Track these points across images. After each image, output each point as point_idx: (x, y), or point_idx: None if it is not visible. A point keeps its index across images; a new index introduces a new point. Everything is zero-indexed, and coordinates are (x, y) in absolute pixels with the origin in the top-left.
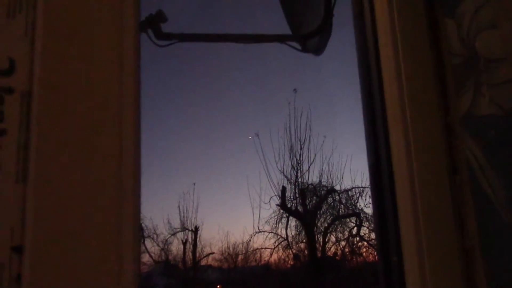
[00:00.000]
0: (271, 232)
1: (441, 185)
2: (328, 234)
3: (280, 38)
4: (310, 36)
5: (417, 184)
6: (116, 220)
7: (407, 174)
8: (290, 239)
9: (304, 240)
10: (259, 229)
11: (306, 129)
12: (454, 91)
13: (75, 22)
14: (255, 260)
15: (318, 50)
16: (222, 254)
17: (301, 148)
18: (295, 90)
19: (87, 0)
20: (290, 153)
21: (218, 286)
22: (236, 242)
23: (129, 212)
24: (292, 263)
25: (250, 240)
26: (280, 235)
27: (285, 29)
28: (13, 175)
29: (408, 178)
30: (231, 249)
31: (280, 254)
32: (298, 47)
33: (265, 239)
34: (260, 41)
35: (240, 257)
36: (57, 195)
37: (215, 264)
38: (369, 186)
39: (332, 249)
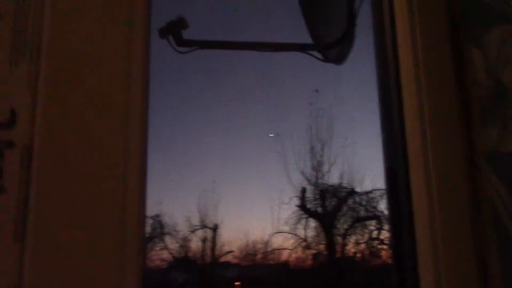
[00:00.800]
0: (290, 233)
1: (463, 223)
2: (348, 237)
3: (301, 47)
4: (331, 45)
5: (438, 222)
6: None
7: (427, 213)
8: (309, 240)
9: (323, 242)
10: (278, 230)
11: (327, 130)
12: (479, 125)
13: (81, 70)
14: (274, 259)
15: (339, 59)
16: (241, 252)
17: (322, 149)
18: (316, 91)
19: (93, 47)
20: (310, 154)
21: (236, 283)
22: (255, 240)
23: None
24: (311, 262)
25: (269, 240)
26: (299, 236)
27: (305, 38)
28: (11, 234)
29: (429, 217)
30: (250, 247)
31: (299, 254)
32: (319, 56)
33: (284, 240)
34: (281, 50)
35: (259, 255)
36: (56, 256)
37: (234, 261)
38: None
39: (351, 251)
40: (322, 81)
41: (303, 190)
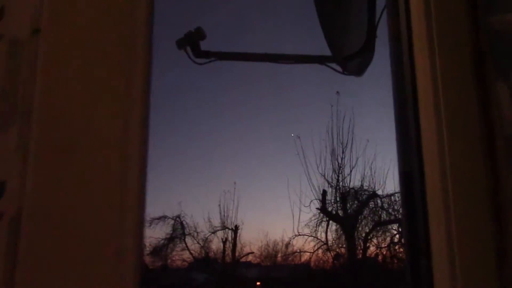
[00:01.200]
0: (311, 236)
1: (490, 275)
2: (369, 240)
3: (320, 60)
4: (351, 57)
5: (459, 271)
6: None
7: (449, 265)
8: (330, 243)
9: (344, 245)
10: (298, 232)
11: (348, 132)
12: (505, 167)
13: (74, 135)
14: (294, 260)
15: (359, 71)
16: (261, 253)
17: (343, 152)
18: (337, 93)
19: (87, 109)
20: (331, 156)
21: (257, 283)
22: (276, 240)
23: None
24: (331, 264)
25: (289, 243)
26: (319, 239)
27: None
28: None
29: (449, 269)
30: (271, 247)
31: (320, 255)
32: (338, 68)
33: (305, 242)
34: (300, 62)
35: (279, 256)
36: None
37: (255, 261)
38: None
39: (372, 255)
40: (344, 83)
41: (324, 193)
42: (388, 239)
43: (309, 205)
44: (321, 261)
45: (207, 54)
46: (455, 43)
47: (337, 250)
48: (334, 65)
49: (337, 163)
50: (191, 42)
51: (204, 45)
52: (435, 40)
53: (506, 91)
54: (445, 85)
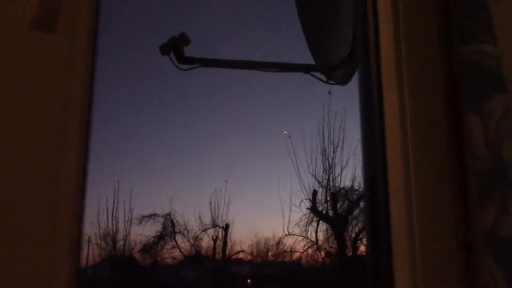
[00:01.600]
0: (301, 235)
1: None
2: (359, 240)
3: (305, 68)
4: (337, 67)
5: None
6: None
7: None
8: (320, 243)
9: (333, 246)
10: (288, 232)
11: (340, 133)
12: (477, 203)
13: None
14: (285, 258)
15: (344, 80)
16: (252, 251)
17: (334, 152)
18: (329, 93)
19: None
20: (322, 156)
21: (248, 281)
22: (267, 238)
23: None
24: (322, 262)
25: (279, 242)
26: (310, 239)
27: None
28: None
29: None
30: (262, 244)
31: (311, 253)
32: (323, 77)
33: (295, 242)
34: (285, 71)
35: (270, 253)
36: None
37: (246, 258)
38: None
39: (363, 254)
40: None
41: (314, 193)
42: None
43: (300, 205)
44: (311, 260)
45: (191, 61)
46: (428, 71)
47: (328, 249)
48: (318, 74)
49: (327, 163)
50: (175, 47)
51: (188, 51)
52: (403, 67)
53: (478, 124)
54: (414, 118)
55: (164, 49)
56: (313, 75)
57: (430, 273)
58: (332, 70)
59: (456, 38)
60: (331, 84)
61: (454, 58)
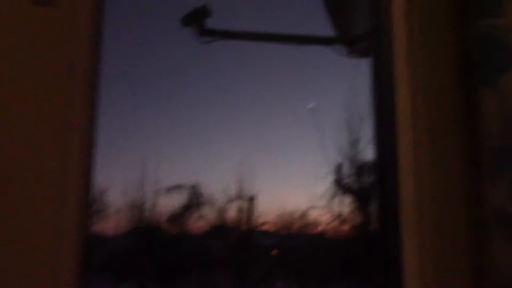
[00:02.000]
0: (325, 208)
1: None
2: None
3: (326, 41)
4: (359, 39)
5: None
6: None
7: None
8: (344, 216)
9: (358, 219)
10: (313, 205)
11: (366, 105)
12: (489, 179)
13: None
14: (309, 230)
15: (366, 53)
16: (277, 223)
17: (360, 124)
18: (356, 66)
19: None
20: (348, 129)
21: (274, 250)
22: (291, 210)
23: None
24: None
25: (304, 215)
26: (334, 212)
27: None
28: None
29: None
30: (287, 216)
31: (335, 226)
32: (343, 51)
33: (320, 215)
34: (305, 43)
35: (294, 225)
36: None
37: (271, 229)
38: None
39: None
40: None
41: (339, 166)
42: None
43: (325, 178)
44: (336, 232)
45: (211, 33)
46: (441, 46)
47: (352, 223)
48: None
49: (353, 136)
50: (197, 20)
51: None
52: (417, 41)
53: (493, 99)
54: (427, 90)
55: (187, 21)
56: (334, 48)
57: (439, 248)
58: (355, 43)
59: (473, 12)
60: (352, 57)
61: (470, 32)
